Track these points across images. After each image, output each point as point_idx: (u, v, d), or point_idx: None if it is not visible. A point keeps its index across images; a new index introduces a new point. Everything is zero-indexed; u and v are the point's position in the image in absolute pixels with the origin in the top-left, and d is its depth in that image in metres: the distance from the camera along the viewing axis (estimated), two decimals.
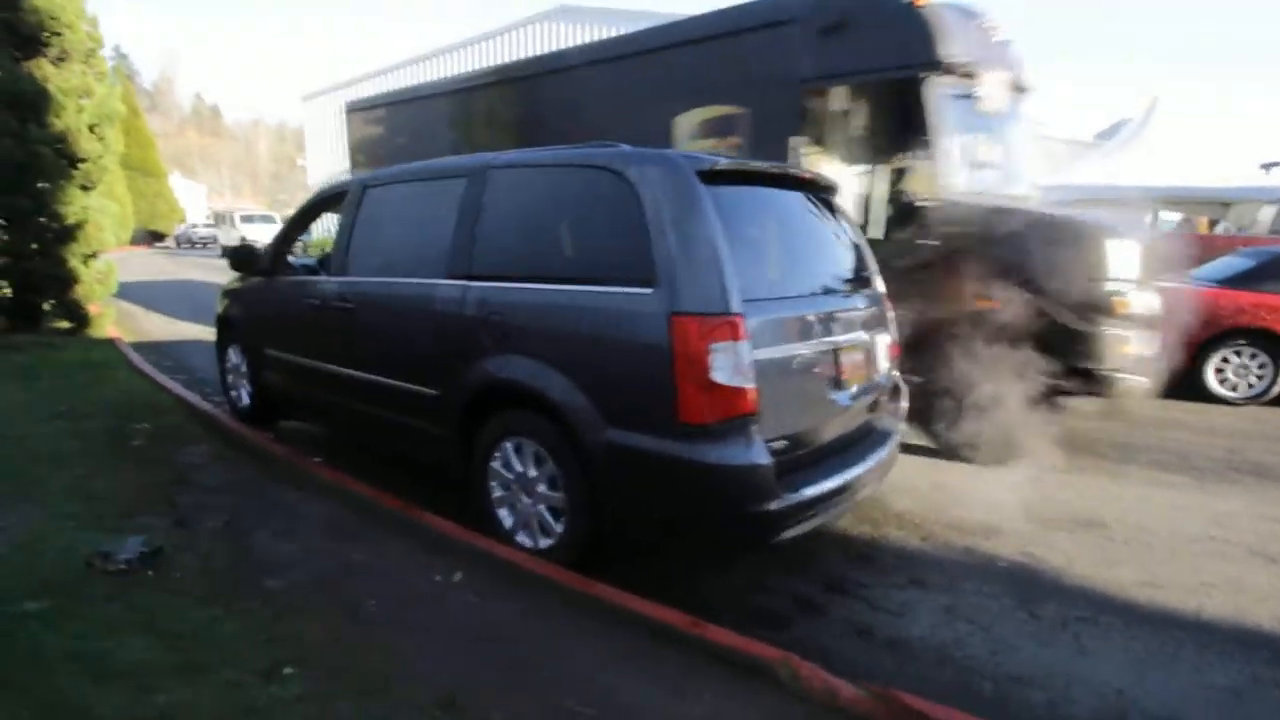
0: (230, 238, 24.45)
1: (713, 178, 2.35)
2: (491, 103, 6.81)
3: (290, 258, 4.35)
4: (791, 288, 2.48)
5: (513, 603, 2.41)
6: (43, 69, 6.31)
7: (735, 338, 2.16)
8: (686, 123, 5.04)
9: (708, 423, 2.16)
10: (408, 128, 7.94)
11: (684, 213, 2.25)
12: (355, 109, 9.10)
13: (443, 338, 2.88)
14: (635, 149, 2.49)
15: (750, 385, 2.18)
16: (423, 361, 3.00)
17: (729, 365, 2.14)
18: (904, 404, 3.27)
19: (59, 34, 6.25)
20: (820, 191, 2.95)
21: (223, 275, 5.90)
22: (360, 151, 8.90)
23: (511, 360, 2.61)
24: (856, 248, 3.02)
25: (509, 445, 2.73)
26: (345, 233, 3.51)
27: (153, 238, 31.57)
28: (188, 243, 30.75)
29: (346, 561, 2.71)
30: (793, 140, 4.46)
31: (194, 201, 41.73)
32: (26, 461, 3.61)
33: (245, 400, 4.58)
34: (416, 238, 3.18)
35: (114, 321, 7.83)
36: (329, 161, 23.95)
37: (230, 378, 4.73)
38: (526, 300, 2.57)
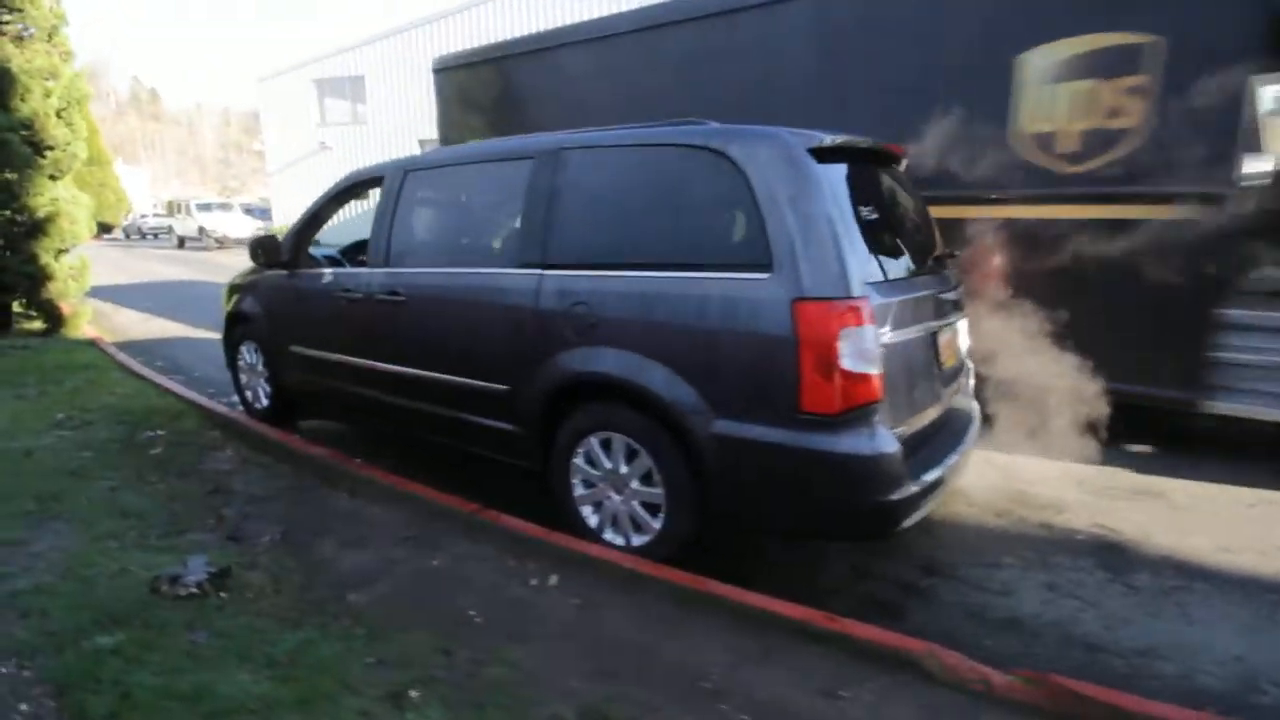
0: (187, 228, 23.34)
1: (820, 155, 2.23)
2: (713, 45, 4.72)
3: (312, 250, 4.09)
4: (894, 269, 2.39)
5: (621, 606, 2.30)
6: (3, 48, 5.79)
7: (863, 322, 2.06)
8: (1043, 61, 3.58)
9: (835, 412, 2.06)
10: (548, 84, 5.78)
11: (800, 192, 2.13)
12: (453, 66, 6.73)
13: (514, 331, 2.72)
14: (733, 126, 2.35)
15: (877, 371, 2.09)
16: (489, 356, 2.83)
17: (858, 351, 2.05)
18: (971, 382, 3.24)
19: (20, 9, 5.73)
20: (895, 165, 2.85)
21: (187, 268, 5.54)
22: (463, 116, 6.55)
23: (601, 353, 2.47)
24: (932, 225, 2.94)
25: (594, 440, 2.60)
26: (385, 221, 3.28)
27: (100, 229, 29.95)
28: (138, 234, 29.28)
29: (428, 570, 2.56)
30: (1252, 80, 3.28)
31: (138, 190, 39.70)
32: (42, 477, 3.33)
33: (264, 400, 4.33)
34: (476, 225, 3.00)
35: (89, 320, 7.36)
36: (292, 144, 22.98)
37: (244, 377, 4.46)
38: (618, 289, 2.43)
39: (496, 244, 2.93)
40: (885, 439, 2.10)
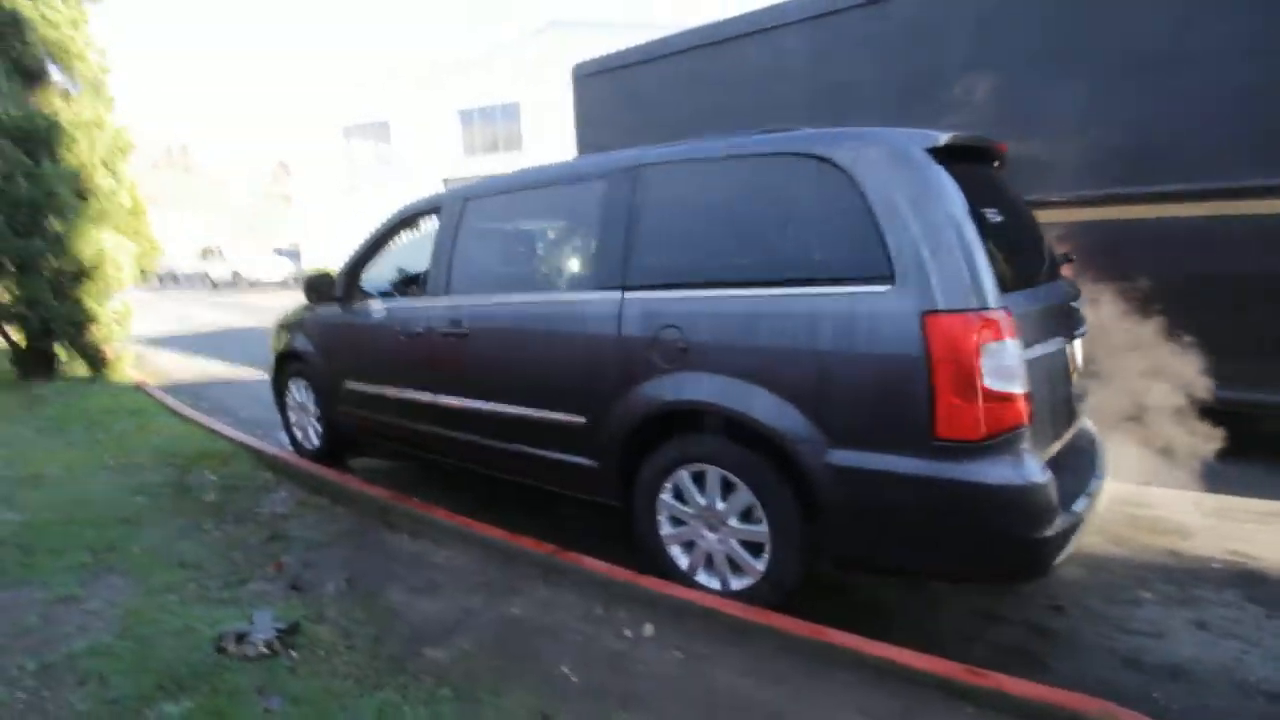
0: (220, 272, 23.87)
1: (937, 155, 2.04)
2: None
3: (362, 284, 3.99)
4: (1020, 276, 2.18)
5: (729, 660, 2.06)
6: (52, 102, 5.90)
7: (1006, 336, 1.85)
8: None
9: (978, 438, 1.84)
10: (709, 87, 5.21)
11: (922, 195, 1.94)
12: (595, 72, 6.07)
13: (592, 358, 2.54)
14: (835, 129, 2.18)
15: (1023, 391, 1.87)
16: (564, 387, 2.66)
17: (1001, 369, 1.83)
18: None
19: (69, 66, 5.84)
20: (999, 163, 2.65)
21: (223, 311, 5.45)
22: (610, 121, 5.93)
23: (695, 379, 2.27)
24: (1040, 227, 2.73)
25: (685, 474, 2.39)
26: (444, 252, 3.16)
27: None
28: (172, 280, 30.08)
29: (509, 619, 2.35)
30: None
31: (170, 238, 40.88)
32: (95, 526, 3.20)
33: (314, 440, 4.20)
34: (543, 252, 2.84)
35: (132, 364, 7.38)
36: (318, 187, 23.53)
37: (294, 416, 4.34)
38: (715, 310, 2.24)
39: (568, 269, 2.78)
40: (1034, 467, 1.87)
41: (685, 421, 2.38)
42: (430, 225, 3.44)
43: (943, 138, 2.09)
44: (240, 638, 2.13)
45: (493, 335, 2.90)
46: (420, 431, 3.36)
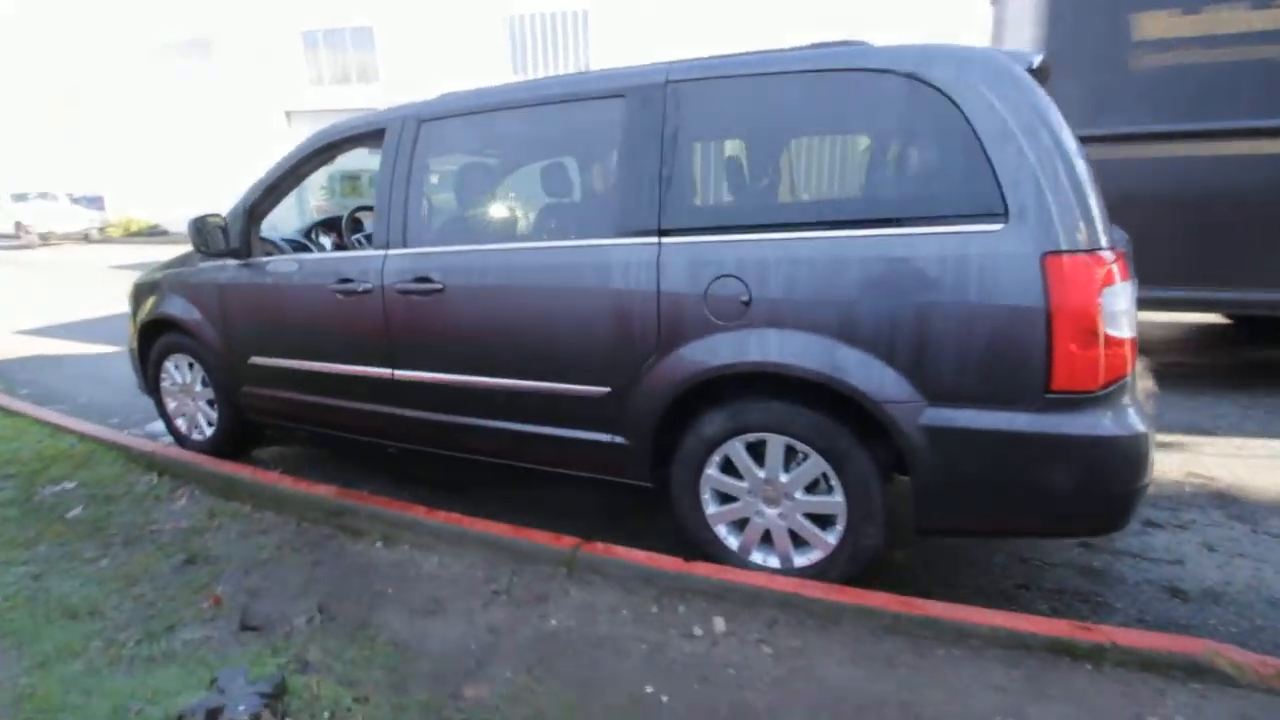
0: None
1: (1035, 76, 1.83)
2: None
3: (266, 234, 3.20)
4: None
5: (826, 650, 1.85)
6: None
7: (1121, 279, 1.71)
8: None
9: (1096, 388, 1.71)
10: None
11: (1036, 121, 1.73)
12: None
13: (619, 318, 2.14)
14: (926, 44, 1.89)
15: (1132, 336, 1.76)
16: (581, 353, 2.23)
17: (1118, 314, 1.70)
18: None
19: None
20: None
21: (12, 269, 4.31)
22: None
23: (761, 336, 1.96)
24: None
25: (739, 445, 2.10)
26: (396, 189, 2.53)
27: None
28: None
29: (549, 633, 1.97)
30: None
31: None
32: None
33: (205, 429, 3.41)
34: (540, 188, 2.33)
35: None
36: (128, 125, 19.69)
37: (174, 402, 3.49)
38: (788, 255, 1.92)
39: (579, 209, 2.31)
40: (1136, 416, 1.79)
41: (739, 386, 2.07)
42: (354, 158, 2.76)
43: (1035, 58, 1.88)
44: (213, 716, 1.58)
45: (479, 294, 2.37)
46: (370, 414, 2.77)
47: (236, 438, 3.39)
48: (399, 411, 2.68)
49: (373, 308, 2.60)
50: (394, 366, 2.62)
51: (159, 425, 3.80)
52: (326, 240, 3.54)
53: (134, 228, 20.90)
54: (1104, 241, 1.71)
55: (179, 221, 20.80)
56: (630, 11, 16.72)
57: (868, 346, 1.86)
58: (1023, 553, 2.46)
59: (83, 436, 3.55)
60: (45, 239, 18.70)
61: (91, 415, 4.11)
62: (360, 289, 2.60)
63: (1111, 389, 1.74)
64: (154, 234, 20.81)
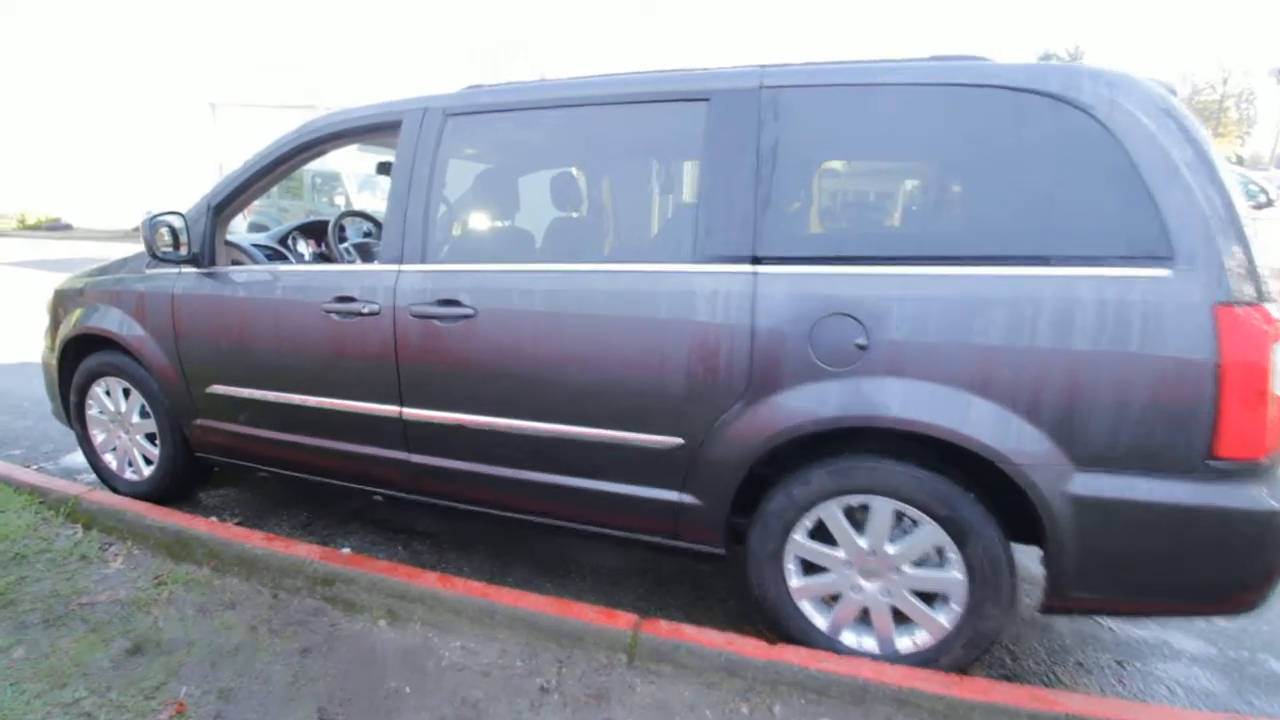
0: None
1: None
2: None
3: (232, 238, 2.70)
4: None
5: None
6: None
7: None
8: None
9: (1261, 456, 1.52)
10: None
11: (1198, 156, 1.54)
12: None
13: (700, 356, 1.81)
14: (1063, 64, 1.68)
15: None
16: (648, 395, 1.89)
17: None
18: None
19: None
20: None
21: None
22: None
23: (880, 386, 1.67)
24: None
25: (835, 509, 1.81)
26: (415, 194, 2.12)
27: None
28: None
29: None
30: None
31: None
32: None
33: (143, 468, 2.84)
34: (601, 200, 1.99)
35: None
36: None
37: (101, 435, 2.91)
38: (916, 294, 1.65)
39: (643, 228, 1.99)
40: None
41: (840, 440, 1.79)
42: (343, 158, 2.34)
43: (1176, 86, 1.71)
44: None
45: (520, 322, 1.99)
46: (366, 458, 2.32)
47: (182, 479, 2.84)
48: (405, 457, 2.25)
49: (379, 333, 2.17)
50: (402, 404, 2.20)
51: (77, 458, 3.18)
52: (305, 248, 3.05)
53: (31, 220, 18.87)
54: (1269, 294, 1.54)
55: (88, 215, 18.93)
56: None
57: (1007, 400, 1.61)
58: (1066, 633, 2.25)
59: None
60: None
61: None
62: (365, 310, 2.17)
63: (1276, 457, 1.55)
64: (55, 228, 18.85)
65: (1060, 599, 1.73)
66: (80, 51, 18.48)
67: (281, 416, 2.43)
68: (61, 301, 2.92)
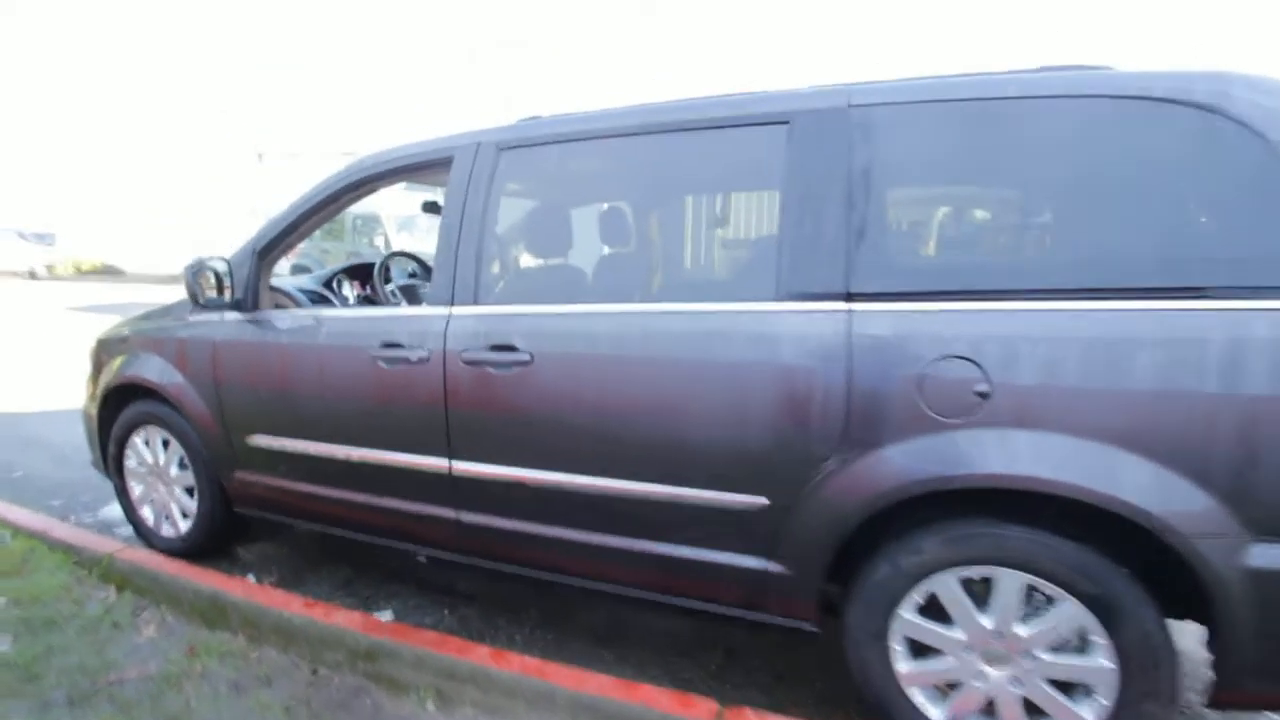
0: None
1: None
2: None
3: (277, 282, 2.61)
4: None
5: None
6: None
7: None
8: None
9: None
10: None
11: None
12: None
13: (789, 407, 1.61)
14: (1218, 70, 1.46)
15: None
16: (725, 449, 1.68)
17: None
18: None
19: None
20: None
21: None
22: None
23: (1005, 439, 1.44)
24: None
25: (953, 581, 1.56)
26: (467, 232, 1.98)
27: None
28: None
29: None
30: None
31: None
32: None
33: (181, 523, 2.71)
34: (673, 234, 1.82)
35: None
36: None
37: (140, 487, 2.80)
38: (1046, 334, 1.42)
39: (717, 264, 1.81)
40: None
41: (956, 502, 1.55)
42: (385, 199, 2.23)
43: None
44: None
45: (581, 368, 1.81)
46: (412, 515, 2.15)
47: (220, 535, 2.70)
48: (454, 515, 2.07)
49: (428, 381, 2.01)
50: (452, 457, 2.02)
51: (116, 509, 3.07)
52: (350, 291, 2.95)
53: (85, 266, 19.75)
54: None
55: (139, 261, 19.73)
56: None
57: (1166, 459, 1.36)
58: None
59: (17, 530, 2.79)
60: None
61: (29, 494, 3.34)
62: (413, 357, 2.02)
63: None
64: (107, 272, 19.68)
65: (1237, 690, 1.44)
66: (134, 104, 19.47)
67: (322, 469, 2.28)
68: (104, 349, 2.85)
